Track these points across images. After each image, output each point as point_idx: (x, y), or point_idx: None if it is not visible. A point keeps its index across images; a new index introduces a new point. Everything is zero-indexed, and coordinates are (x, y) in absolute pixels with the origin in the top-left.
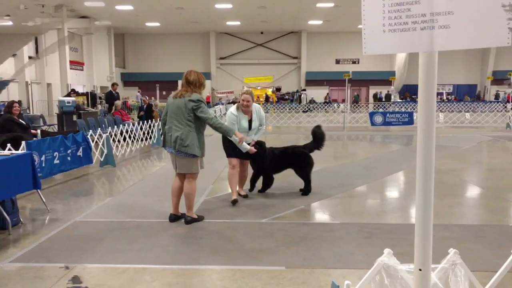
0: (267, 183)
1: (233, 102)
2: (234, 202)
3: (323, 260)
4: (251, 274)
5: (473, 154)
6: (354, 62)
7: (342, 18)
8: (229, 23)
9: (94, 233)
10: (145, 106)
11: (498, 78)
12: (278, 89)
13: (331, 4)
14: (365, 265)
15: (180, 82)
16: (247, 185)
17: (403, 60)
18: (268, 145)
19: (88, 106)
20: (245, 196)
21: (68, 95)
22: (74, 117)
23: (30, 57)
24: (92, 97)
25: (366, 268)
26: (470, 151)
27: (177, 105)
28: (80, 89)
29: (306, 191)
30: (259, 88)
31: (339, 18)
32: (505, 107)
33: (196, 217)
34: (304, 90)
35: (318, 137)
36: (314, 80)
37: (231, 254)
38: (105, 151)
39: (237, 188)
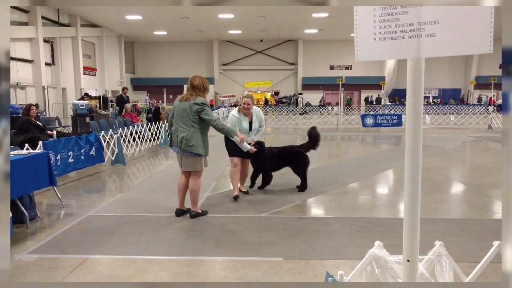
0: (266, 180)
1: (235, 105)
2: (236, 198)
3: (318, 251)
4: (252, 265)
5: (457, 154)
6: (347, 68)
7: (335, 27)
8: (231, 31)
9: (106, 227)
10: (153, 109)
11: (481, 83)
12: (277, 93)
13: (326, 14)
14: (357, 257)
15: (185, 87)
16: (248, 182)
17: (392, 66)
18: (267, 145)
19: (100, 108)
20: (246, 192)
21: (82, 98)
22: (87, 119)
23: (46, 64)
24: (103, 101)
25: (358, 259)
26: (454, 150)
27: (183, 108)
28: (92, 93)
29: (302, 187)
30: (258, 92)
31: (333, 27)
32: (487, 109)
33: (200, 211)
34: (301, 94)
35: (313, 138)
36: (310, 84)
37: (233, 246)
38: (116, 150)
39: (238, 185)
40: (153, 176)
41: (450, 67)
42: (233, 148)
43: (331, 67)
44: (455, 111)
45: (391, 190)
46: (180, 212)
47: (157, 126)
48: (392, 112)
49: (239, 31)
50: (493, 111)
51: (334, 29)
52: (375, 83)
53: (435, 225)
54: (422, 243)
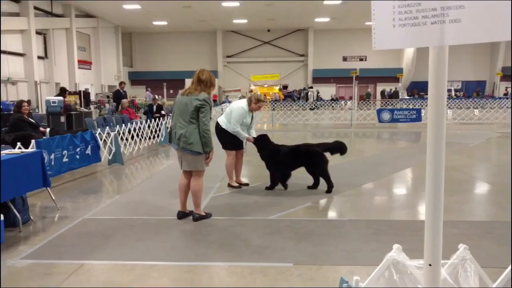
0: (274, 180)
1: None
2: (230, 186)
3: (330, 256)
4: (259, 271)
5: (482, 151)
6: (361, 59)
7: (349, 15)
8: (236, 21)
9: (103, 230)
10: (154, 106)
11: (508, 74)
12: (285, 87)
13: (339, 1)
14: (373, 262)
15: (187, 81)
16: (248, 177)
17: (411, 56)
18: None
19: (80, 106)
20: (246, 184)
21: (60, 94)
22: (62, 118)
23: (39, 57)
24: (84, 96)
25: (374, 265)
26: (479, 147)
27: (184, 103)
28: (88, 88)
29: (329, 188)
30: (266, 86)
31: (347, 15)
32: None
33: (203, 214)
34: (311, 87)
35: (339, 148)
36: (321, 77)
37: (238, 251)
38: (113, 149)
39: (236, 178)
40: (152, 176)
41: (473, 57)
42: (229, 143)
43: (344, 59)
44: (479, 105)
45: (409, 190)
46: (182, 215)
47: (157, 123)
48: (411, 107)
49: (244, 21)
50: None
51: (347, 18)
52: (392, 75)
53: (457, 227)
54: (444, 247)
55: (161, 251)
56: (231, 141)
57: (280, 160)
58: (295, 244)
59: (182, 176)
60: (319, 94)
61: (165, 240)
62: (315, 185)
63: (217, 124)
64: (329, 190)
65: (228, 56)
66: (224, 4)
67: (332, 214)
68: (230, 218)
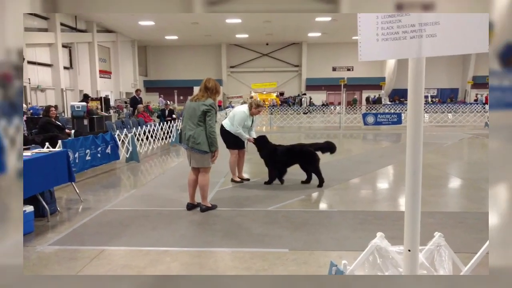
0: (272, 176)
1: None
2: (233, 181)
3: (322, 243)
4: (259, 256)
5: (455, 150)
6: (348, 69)
7: (338, 30)
8: (238, 35)
9: (121, 220)
10: (167, 111)
11: (478, 83)
12: (282, 94)
13: (329, 18)
14: (359, 248)
15: (195, 88)
16: (249, 173)
17: (392, 67)
18: (276, 143)
19: (101, 110)
20: (247, 179)
21: (84, 100)
22: (85, 121)
23: (65, 67)
24: (105, 102)
25: (360, 250)
26: (452, 147)
27: (193, 107)
28: (108, 95)
29: (320, 183)
30: (264, 92)
31: (336, 30)
32: (484, 108)
33: (210, 205)
34: (304, 94)
35: (329, 147)
36: (313, 85)
37: (241, 238)
38: (130, 148)
39: (238, 173)
40: (165, 173)
41: (448, 67)
42: (232, 143)
43: (334, 69)
44: (453, 109)
45: (391, 184)
46: (191, 206)
47: (169, 125)
48: (392, 111)
49: (246, 35)
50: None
51: (336, 33)
52: (376, 84)
53: (433, 217)
54: (422, 235)
55: (172, 238)
56: (234, 142)
57: (278, 158)
58: (291, 233)
59: (190, 172)
60: (311, 100)
61: (176, 229)
62: (308, 180)
63: (222, 127)
64: (320, 185)
65: (231, 67)
66: (228, 21)
67: (323, 206)
68: (233, 209)
